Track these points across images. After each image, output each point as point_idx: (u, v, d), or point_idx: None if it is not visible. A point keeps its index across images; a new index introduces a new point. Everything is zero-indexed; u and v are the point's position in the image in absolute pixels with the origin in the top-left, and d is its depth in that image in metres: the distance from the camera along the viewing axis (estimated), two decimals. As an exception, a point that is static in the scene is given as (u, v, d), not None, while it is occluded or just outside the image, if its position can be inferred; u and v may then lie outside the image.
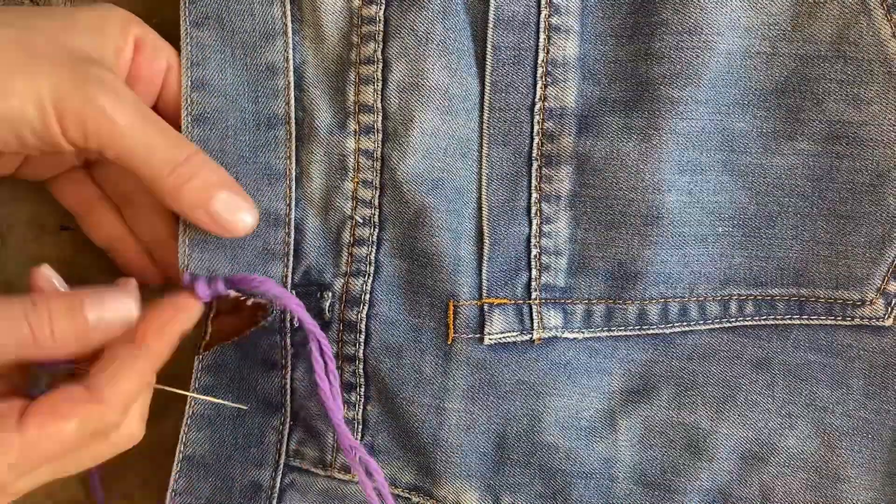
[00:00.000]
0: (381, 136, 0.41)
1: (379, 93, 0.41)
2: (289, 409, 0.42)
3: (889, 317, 0.41)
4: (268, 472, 0.42)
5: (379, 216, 0.42)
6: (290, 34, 0.40)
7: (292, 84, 0.41)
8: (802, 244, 0.42)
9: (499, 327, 0.42)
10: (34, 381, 0.36)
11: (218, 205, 0.36)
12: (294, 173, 0.41)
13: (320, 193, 0.42)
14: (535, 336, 0.42)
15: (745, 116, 0.41)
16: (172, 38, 0.40)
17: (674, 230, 0.41)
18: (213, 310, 0.41)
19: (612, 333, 0.42)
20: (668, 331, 0.42)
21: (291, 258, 0.41)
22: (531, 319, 0.42)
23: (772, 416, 0.42)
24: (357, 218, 0.42)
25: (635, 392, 0.43)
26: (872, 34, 0.39)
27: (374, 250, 0.42)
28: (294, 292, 0.41)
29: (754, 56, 0.40)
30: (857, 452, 0.42)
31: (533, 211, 0.42)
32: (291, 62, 0.41)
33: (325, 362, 0.39)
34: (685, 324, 0.42)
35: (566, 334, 0.42)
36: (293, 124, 0.41)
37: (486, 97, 0.41)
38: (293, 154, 0.41)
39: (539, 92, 0.41)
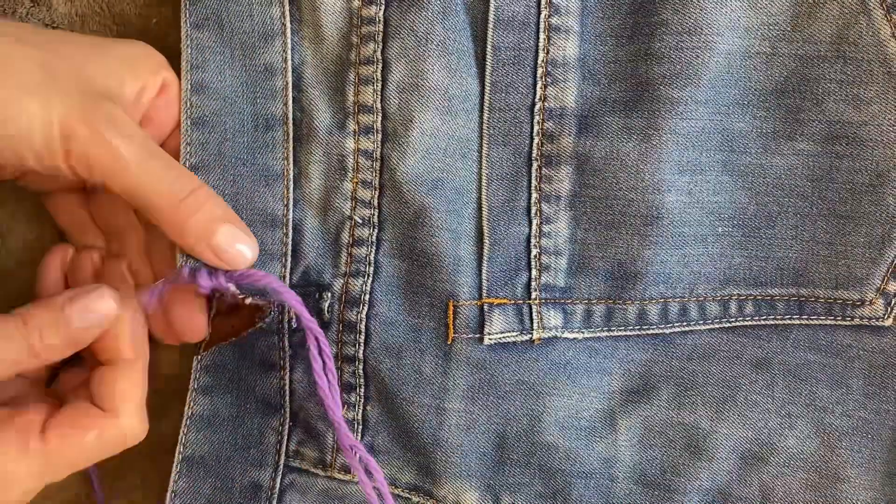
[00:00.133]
0: (380, 136, 0.41)
1: (378, 93, 0.41)
2: (288, 409, 0.42)
3: (889, 317, 0.41)
4: (267, 472, 0.42)
5: (378, 216, 0.42)
6: (288, 35, 0.40)
7: (290, 85, 0.41)
8: (802, 244, 0.42)
9: (499, 327, 0.42)
10: None
11: (220, 238, 0.37)
12: (292, 174, 0.41)
13: (319, 194, 0.42)
14: (535, 336, 0.42)
15: (745, 116, 0.41)
16: (172, 37, 0.40)
17: (674, 230, 0.41)
18: (212, 310, 0.41)
19: (612, 333, 0.42)
20: (667, 331, 0.42)
21: (289, 258, 0.41)
22: (531, 319, 0.42)
23: (771, 416, 0.42)
24: (356, 218, 0.42)
25: (635, 392, 0.43)
26: (872, 34, 0.39)
27: (373, 250, 0.42)
28: (293, 293, 0.41)
29: (754, 56, 0.40)
30: (857, 452, 0.42)
31: (533, 211, 0.42)
32: (290, 63, 0.41)
33: (324, 361, 0.39)
34: (685, 324, 0.42)
35: (566, 334, 0.42)
36: (291, 125, 0.41)
37: (486, 97, 0.41)
38: (291, 155, 0.41)
39: (539, 92, 0.41)
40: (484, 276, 0.42)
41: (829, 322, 0.42)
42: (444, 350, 0.42)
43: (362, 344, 0.42)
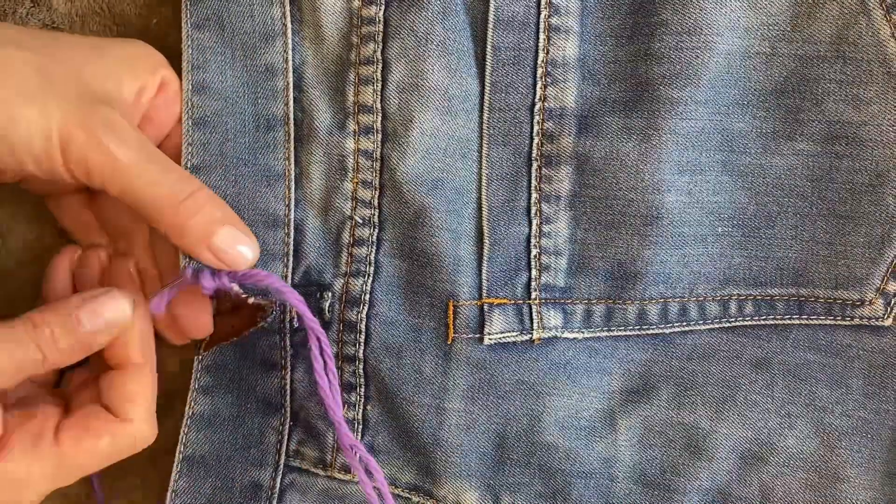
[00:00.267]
0: (380, 136, 0.41)
1: (378, 93, 0.41)
2: (289, 409, 0.43)
3: (888, 317, 0.41)
4: (268, 472, 0.42)
5: (378, 216, 0.42)
6: (289, 35, 0.40)
7: (291, 85, 0.41)
8: (802, 244, 0.42)
9: (499, 327, 0.42)
10: None
11: (220, 239, 0.37)
12: (293, 174, 0.41)
13: (320, 194, 0.42)
14: (535, 336, 0.42)
15: (745, 117, 0.41)
16: (172, 37, 0.40)
17: (673, 230, 0.41)
18: (213, 309, 0.41)
19: (611, 333, 0.43)
20: (667, 331, 0.42)
21: (291, 258, 0.41)
22: (531, 319, 0.42)
23: (771, 416, 0.42)
24: (357, 218, 0.42)
25: (635, 392, 0.43)
26: (872, 34, 0.39)
27: (373, 250, 0.42)
28: (293, 293, 0.41)
29: (754, 56, 0.40)
30: (857, 452, 0.42)
31: (533, 211, 0.42)
32: (291, 63, 0.41)
33: (325, 361, 0.39)
34: (685, 324, 0.42)
35: (566, 334, 0.42)
36: (292, 125, 0.41)
37: (486, 97, 0.41)
38: (292, 155, 0.41)
39: (539, 92, 0.41)
40: (484, 276, 0.42)
41: (828, 322, 0.42)
42: (444, 350, 0.42)
43: (362, 344, 0.42)
